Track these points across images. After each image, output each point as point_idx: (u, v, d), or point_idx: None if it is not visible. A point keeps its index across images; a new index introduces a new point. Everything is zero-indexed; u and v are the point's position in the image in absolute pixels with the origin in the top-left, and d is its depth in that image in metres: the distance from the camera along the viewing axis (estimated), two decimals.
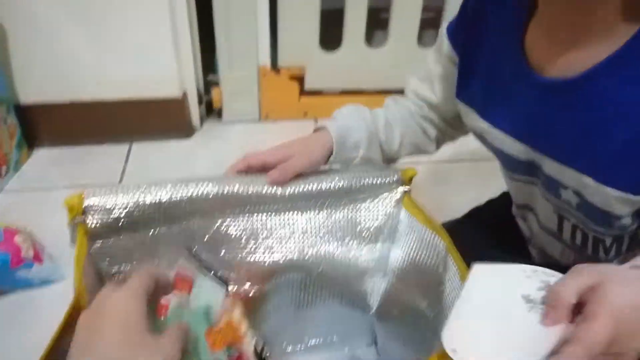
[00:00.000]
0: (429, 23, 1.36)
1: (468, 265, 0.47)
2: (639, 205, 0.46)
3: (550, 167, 0.50)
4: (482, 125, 0.57)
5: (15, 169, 1.13)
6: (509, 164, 0.57)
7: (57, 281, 0.90)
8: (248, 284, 0.66)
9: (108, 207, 0.58)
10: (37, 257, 0.87)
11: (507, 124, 0.53)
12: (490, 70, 0.55)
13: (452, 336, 0.38)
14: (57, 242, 0.90)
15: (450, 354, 0.37)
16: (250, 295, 0.66)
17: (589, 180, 0.46)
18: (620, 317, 0.32)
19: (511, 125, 0.53)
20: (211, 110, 1.37)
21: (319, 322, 0.73)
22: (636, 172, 0.44)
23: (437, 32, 1.14)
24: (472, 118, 0.59)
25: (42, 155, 1.21)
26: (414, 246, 0.64)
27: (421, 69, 0.68)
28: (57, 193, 1.05)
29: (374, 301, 0.72)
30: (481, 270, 0.41)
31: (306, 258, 0.67)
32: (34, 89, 1.15)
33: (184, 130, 1.28)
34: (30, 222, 0.95)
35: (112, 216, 0.58)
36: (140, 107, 1.20)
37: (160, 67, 1.17)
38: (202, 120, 1.34)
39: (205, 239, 0.65)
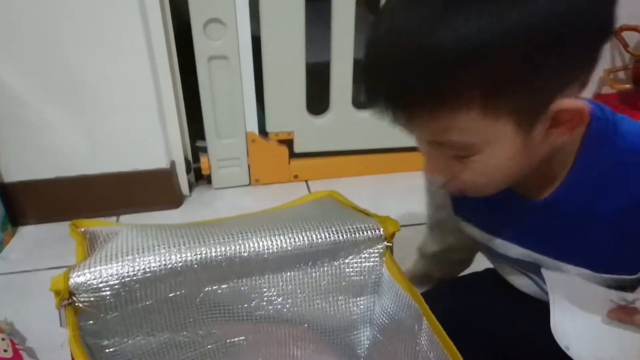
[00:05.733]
0: None
1: (445, 329, 0.55)
2: None
3: (551, 263, 0.58)
4: (485, 236, 0.65)
5: None
6: (512, 263, 0.65)
7: None
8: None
9: (95, 285, 0.58)
10: (17, 357, 0.85)
11: (507, 235, 0.62)
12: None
13: (562, 333, 0.47)
14: (42, 330, 0.88)
15: (565, 350, 0.46)
16: None
17: (588, 272, 0.55)
18: None
19: (510, 235, 0.62)
20: (200, 177, 1.38)
21: None
22: (626, 264, 0.53)
23: None
24: (473, 230, 0.67)
25: (27, 234, 1.21)
26: (393, 304, 0.67)
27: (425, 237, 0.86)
28: (42, 275, 1.04)
29: (362, 351, 0.74)
30: (555, 278, 0.51)
31: (294, 315, 0.70)
32: (17, 166, 1.18)
33: (173, 199, 1.29)
34: (13, 309, 0.95)
35: (100, 294, 0.58)
36: (127, 179, 1.23)
37: (146, 139, 1.20)
38: (191, 187, 1.35)
39: (193, 307, 0.66)
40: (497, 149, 0.47)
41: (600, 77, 1.36)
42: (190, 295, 0.65)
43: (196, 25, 1.15)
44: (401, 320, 0.66)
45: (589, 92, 1.39)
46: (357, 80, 1.33)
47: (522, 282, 0.67)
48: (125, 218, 1.26)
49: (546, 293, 0.62)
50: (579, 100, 0.45)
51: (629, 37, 1.29)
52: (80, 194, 1.22)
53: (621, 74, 1.37)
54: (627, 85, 1.30)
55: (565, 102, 0.44)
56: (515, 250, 0.61)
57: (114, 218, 1.25)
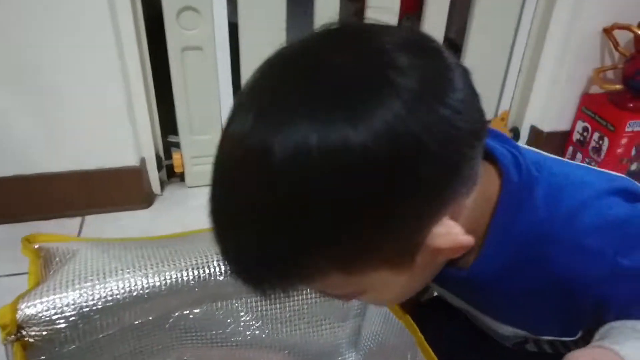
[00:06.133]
0: None
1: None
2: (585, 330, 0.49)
3: (489, 321, 0.55)
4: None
5: None
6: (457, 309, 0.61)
7: None
8: None
9: (47, 317, 0.51)
10: None
11: (447, 287, 0.57)
12: None
13: None
14: None
15: None
16: None
17: (524, 332, 0.52)
18: None
19: (450, 289, 0.57)
20: (173, 175, 1.31)
21: None
22: (559, 331, 0.49)
23: None
24: None
25: None
26: (381, 329, 0.63)
27: None
28: (1, 282, 0.96)
29: None
30: None
31: (274, 341, 0.65)
32: None
33: (143, 198, 1.21)
34: None
35: (54, 327, 0.51)
36: (92, 178, 1.15)
37: (114, 134, 1.12)
38: (162, 186, 1.28)
39: (162, 333, 0.61)
40: (383, 288, 0.42)
41: (589, 77, 1.33)
42: (158, 321, 0.59)
43: (168, 13, 1.07)
44: (391, 346, 0.61)
45: (577, 91, 1.35)
46: None
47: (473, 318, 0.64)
48: (91, 218, 1.17)
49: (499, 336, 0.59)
50: (458, 236, 0.38)
51: (620, 35, 1.26)
52: (41, 193, 1.14)
53: (610, 74, 1.33)
54: (617, 86, 1.26)
55: (439, 239, 0.37)
56: (457, 301, 0.57)
57: (78, 219, 1.17)
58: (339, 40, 0.37)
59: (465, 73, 0.38)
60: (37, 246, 0.61)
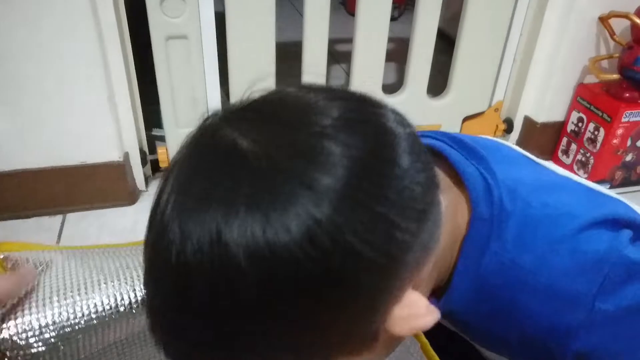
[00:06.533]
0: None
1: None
2: None
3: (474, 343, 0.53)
4: None
5: None
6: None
7: None
8: None
9: (24, 341, 0.46)
10: None
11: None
12: None
13: None
14: None
15: None
16: None
17: None
18: None
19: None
20: (158, 169, 1.25)
21: None
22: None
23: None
24: None
25: None
26: None
27: None
28: None
29: None
30: None
31: None
32: None
33: (127, 195, 1.16)
34: None
35: (31, 351, 0.47)
36: (73, 174, 1.09)
37: (95, 128, 1.07)
38: (147, 181, 1.23)
39: (149, 346, 0.57)
40: None
41: (584, 66, 1.30)
42: (145, 335, 0.55)
43: (151, 0, 1.01)
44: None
45: (572, 81, 1.32)
46: (332, 62, 1.23)
47: None
48: (72, 217, 1.12)
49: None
50: (417, 321, 0.34)
51: (615, 24, 1.23)
52: (19, 191, 1.08)
53: (604, 63, 1.30)
54: (614, 76, 1.23)
55: (398, 327, 0.33)
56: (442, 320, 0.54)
57: (59, 217, 1.11)
58: (260, 124, 0.32)
59: (412, 137, 0.33)
60: (1, 256, 0.55)
